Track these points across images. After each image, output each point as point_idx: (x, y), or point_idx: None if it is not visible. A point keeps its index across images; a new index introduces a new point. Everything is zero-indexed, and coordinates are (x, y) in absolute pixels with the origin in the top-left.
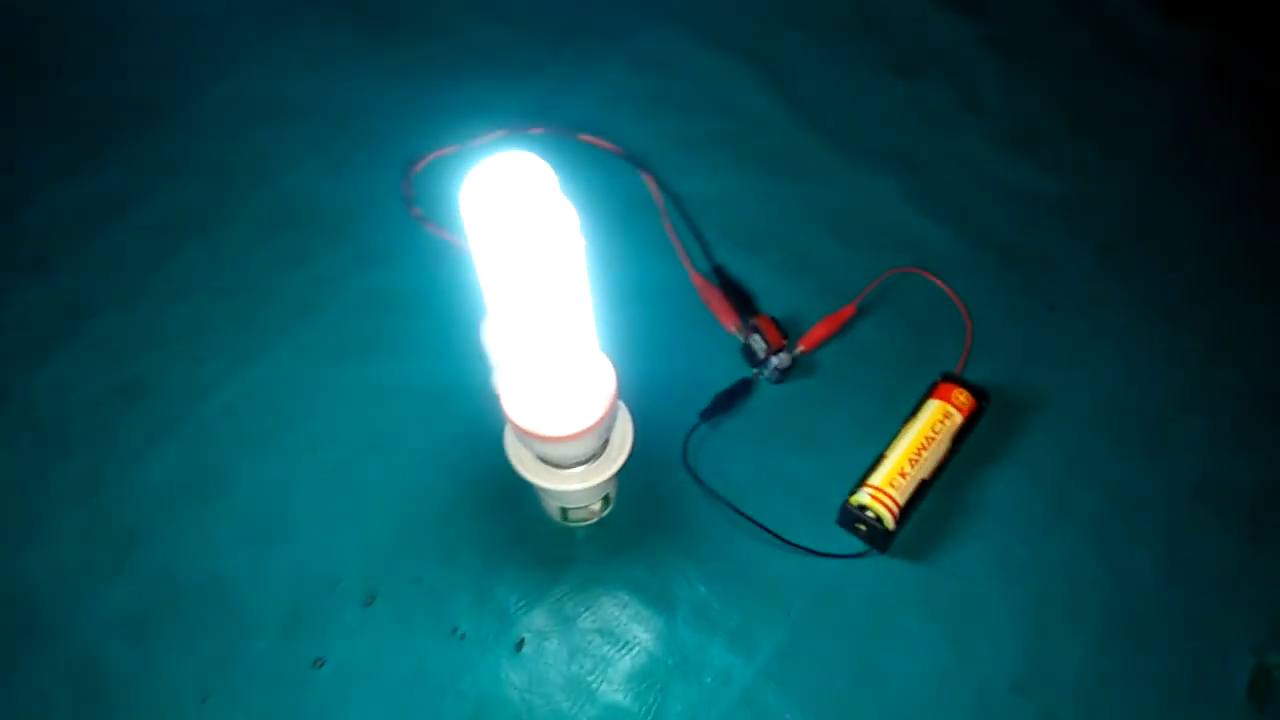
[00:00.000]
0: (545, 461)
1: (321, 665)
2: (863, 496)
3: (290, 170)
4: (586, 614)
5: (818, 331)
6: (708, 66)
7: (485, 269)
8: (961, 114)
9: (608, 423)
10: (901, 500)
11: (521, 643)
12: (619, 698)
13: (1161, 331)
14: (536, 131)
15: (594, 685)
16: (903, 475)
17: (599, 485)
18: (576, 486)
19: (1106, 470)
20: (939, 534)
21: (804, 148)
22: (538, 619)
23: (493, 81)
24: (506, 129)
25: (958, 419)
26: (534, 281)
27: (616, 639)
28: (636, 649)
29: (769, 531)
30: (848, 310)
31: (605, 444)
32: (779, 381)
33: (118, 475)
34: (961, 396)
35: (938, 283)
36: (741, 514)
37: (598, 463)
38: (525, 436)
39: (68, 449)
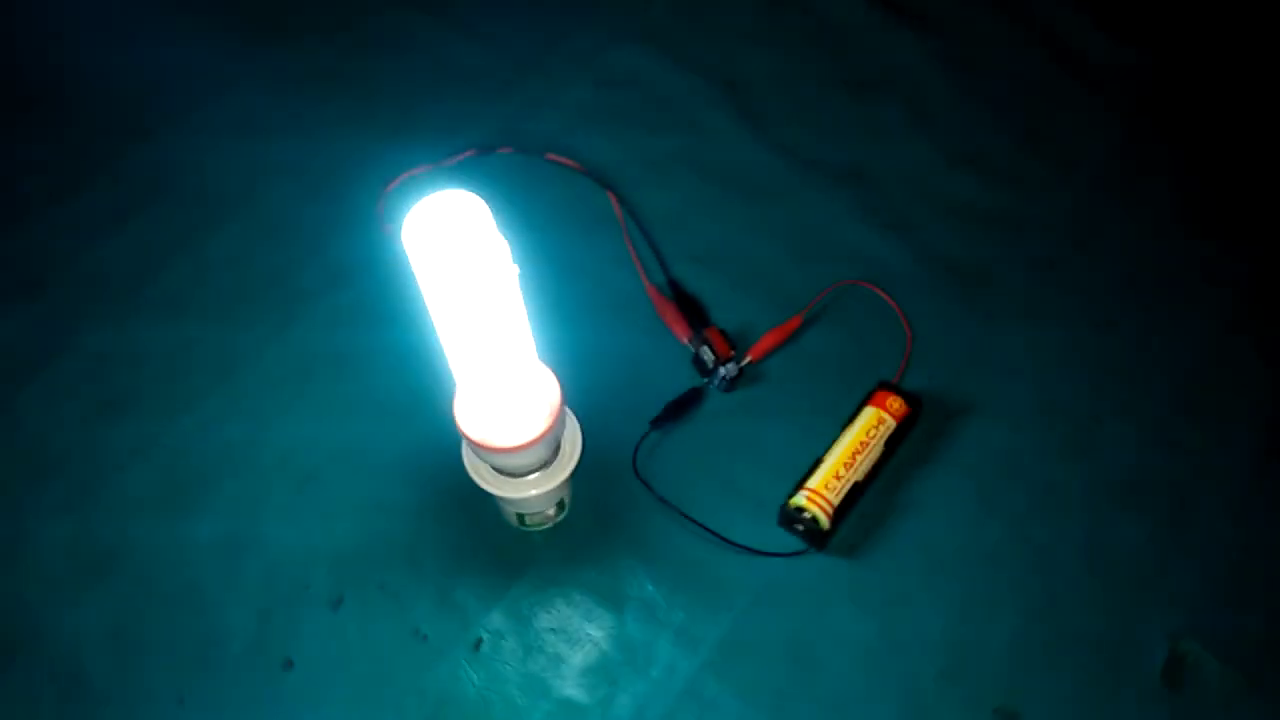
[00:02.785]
0: (500, 471)
1: (291, 667)
2: (800, 499)
3: (269, 189)
4: (542, 614)
5: (765, 342)
6: (672, 85)
7: (429, 299)
8: (912, 131)
9: (554, 433)
10: (836, 501)
11: (480, 642)
12: (572, 692)
13: (1093, 342)
14: (505, 151)
15: (548, 681)
16: (837, 478)
17: (551, 491)
18: (530, 493)
19: (1034, 471)
20: (874, 532)
21: (761, 164)
22: (495, 619)
23: (463, 101)
24: (476, 149)
25: (891, 424)
26: (472, 308)
27: (570, 637)
28: (588, 646)
29: (713, 533)
30: (794, 321)
31: (556, 452)
32: (728, 390)
33: (101, 489)
34: (895, 404)
35: (881, 295)
36: (688, 517)
37: (549, 470)
38: (478, 449)
39: (52, 465)
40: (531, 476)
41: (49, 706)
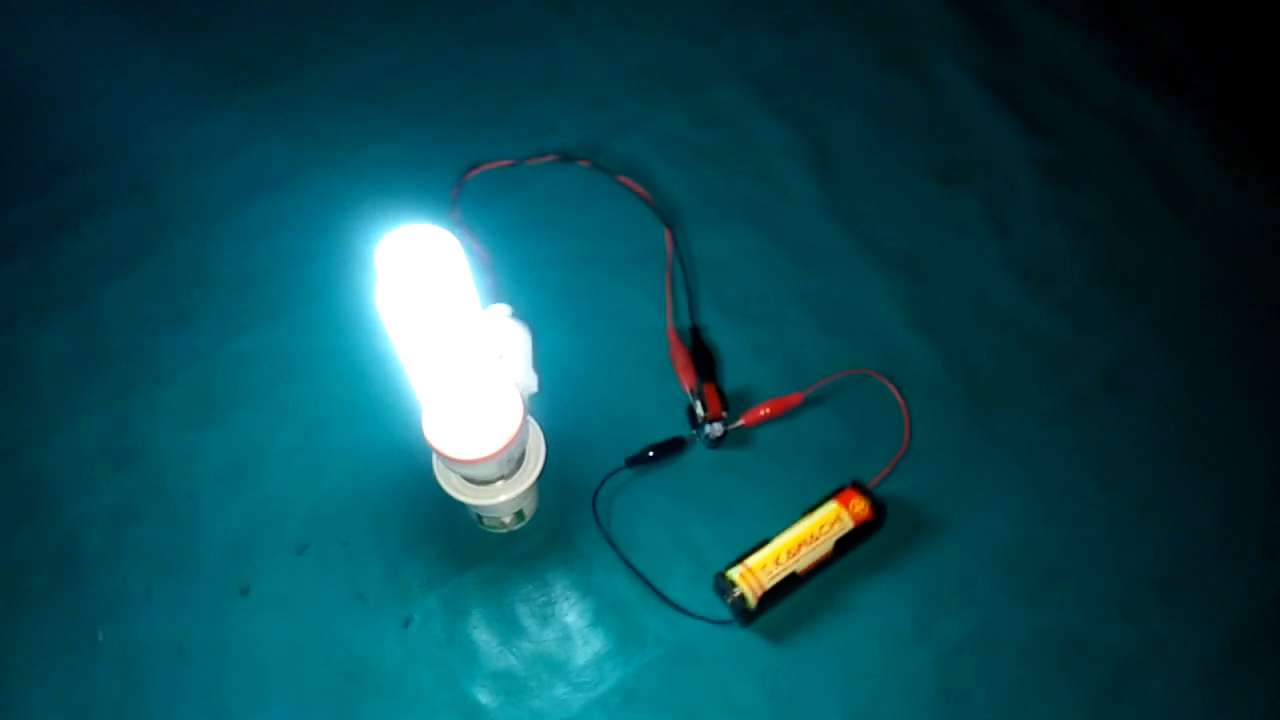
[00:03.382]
0: (467, 480)
1: (246, 594)
2: (734, 573)
3: (365, 151)
4: (474, 610)
5: (761, 411)
6: (762, 134)
7: (390, 323)
8: (984, 231)
9: (505, 455)
10: (768, 585)
11: (410, 620)
12: (476, 691)
13: (1090, 496)
14: (583, 164)
15: (458, 675)
16: (777, 564)
17: (502, 504)
18: (482, 501)
19: (981, 608)
20: (802, 624)
21: (822, 231)
22: (431, 603)
23: (563, 105)
24: (558, 155)
25: (848, 525)
26: (432, 341)
27: (491, 638)
28: (503, 654)
29: (647, 583)
30: (794, 399)
31: (517, 469)
32: (712, 448)
33: (144, 391)
34: (859, 506)
35: (893, 392)
36: (626, 561)
37: (504, 484)
38: (440, 457)
39: (111, 360)
40: (486, 487)
41: (42, 579)
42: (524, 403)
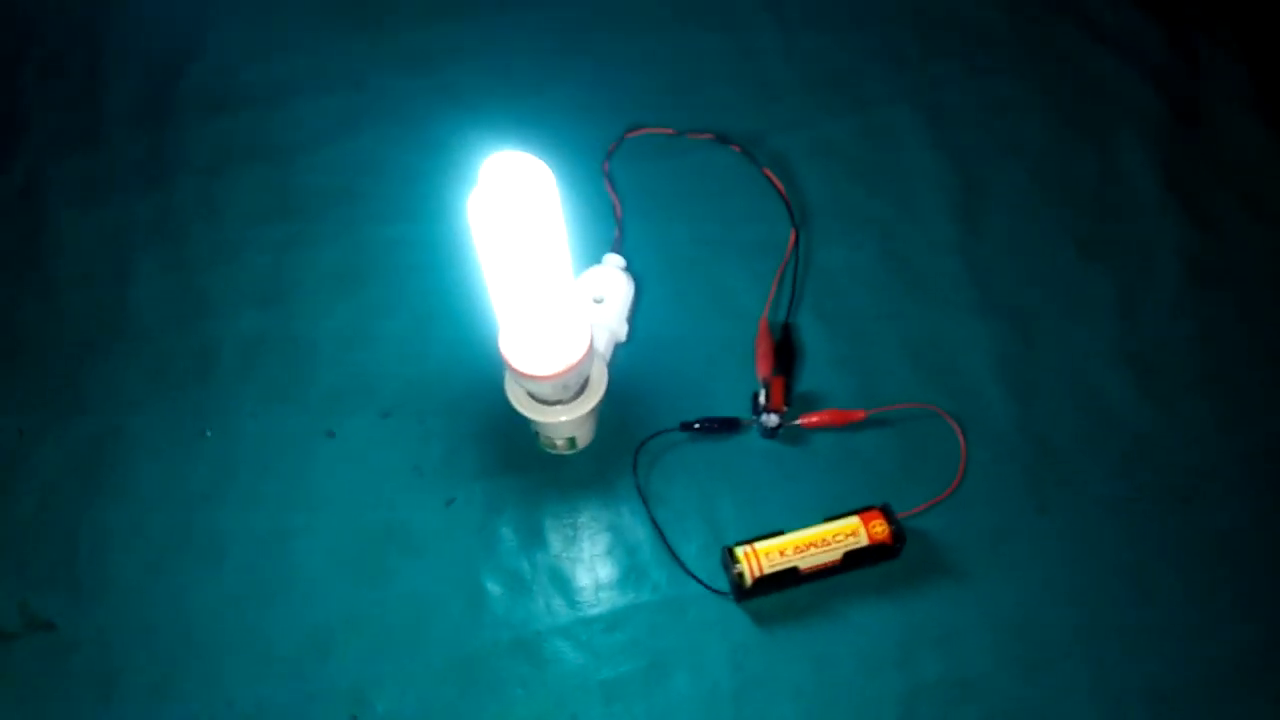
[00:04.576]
0: (531, 396)
1: (332, 436)
2: (740, 550)
3: (536, 93)
4: (508, 509)
5: (822, 416)
6: (916, 160)
7: (479, 238)
8: (1108, 311)
9: (563, 381)
10: (767, 570)
11: (452, 501)
12: (484, 577)
13: (1120, 591)
14: (735, 149)
15: (476, 559)
16: (781, 554)
17: (555, 425)
18: (537, 419)
19: (966, 660)
20: (788, 618)
21: (943, 268)
22: (475, 492)
23: (738, 89)
24: (715, 135)
25: (862, 542)
26: (523, 262)
27: (514, 538)
28: (520, 554)
29: (661, 535)
30: (857, 414)
31: (574, 397)
32: (766, 437)
33: (301, 252)
34: (879, 528)
35: (958, 434)
36: (649, 512)
37: (560, 409)
38: (511, 372)
39: (287, 214)
40: (545, 406)
41: (177, 376)
42: (593, 340)
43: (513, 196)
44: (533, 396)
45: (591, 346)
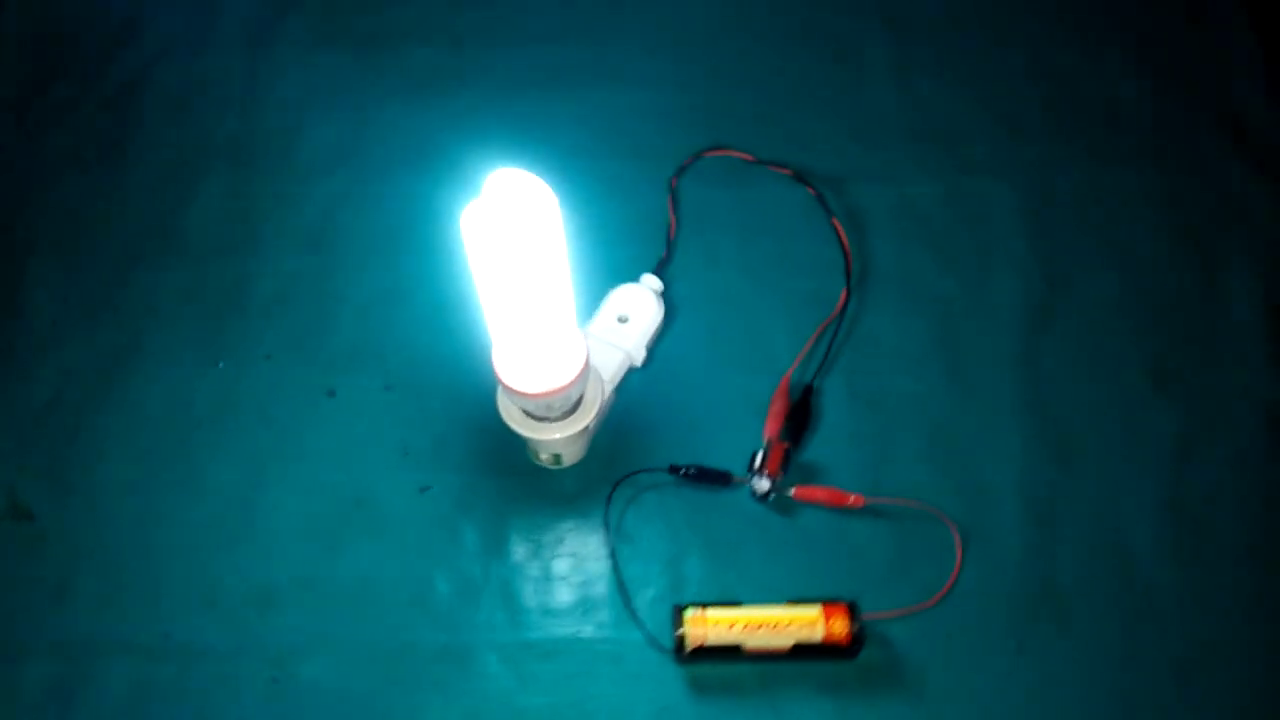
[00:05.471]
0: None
1: (333, 396)
2: (690, 613)
3: (618, 95)
4: (478, 509)
5: (817, 493)
6: (1003, 246)
7: (476, 264)
8: (1164, 454)
9: (545, 401)
10: (710, 640)
11: (427, 489)
12: (435, 573)
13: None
14: (810, 190)
15: (432, 553)
16: (730, 628)
17: (536, 440)
18: (523, 433)
19: None
20: (728, 693)
21: (992, 370)
22: (451, 484)
23: (834, 129)
24: (791, 170)
25: (816, 637)
26: (515, 281)
27: (476, 540)
28: (475, 557)
29: (618, 576)
30: (855, 499)
31: (561, 418)
32: (756, 500)
33: (348, 213)
34: (839, 626)
35: (957, 548)
36: (612, 549)
37: (546, 425)
38: (502, 387)
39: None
40: (528, 420)
41: (203, 310)
42: (590, 363)
43: (510, 214)
44: (520, 408)
45: (585, 372)
